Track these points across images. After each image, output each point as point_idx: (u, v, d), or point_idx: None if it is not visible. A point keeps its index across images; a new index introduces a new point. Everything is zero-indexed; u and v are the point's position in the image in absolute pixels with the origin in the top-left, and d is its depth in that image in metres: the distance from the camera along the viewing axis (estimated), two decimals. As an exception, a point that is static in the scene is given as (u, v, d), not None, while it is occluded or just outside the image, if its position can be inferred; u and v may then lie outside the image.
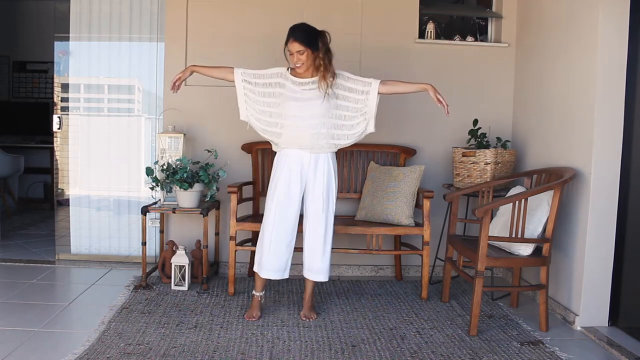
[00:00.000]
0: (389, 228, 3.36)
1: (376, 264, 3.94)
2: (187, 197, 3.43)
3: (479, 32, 4.12)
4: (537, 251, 2.96)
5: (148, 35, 3.98)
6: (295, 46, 2.81)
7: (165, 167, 3.45)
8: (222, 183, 3.59)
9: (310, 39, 2.83)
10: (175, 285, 3.44)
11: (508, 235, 2.88)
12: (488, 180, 3.46)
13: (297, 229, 2.98)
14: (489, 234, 2.80)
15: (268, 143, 3.10)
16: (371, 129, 2.98)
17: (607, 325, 2.97)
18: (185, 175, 3.36)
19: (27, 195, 6.48)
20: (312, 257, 2.99)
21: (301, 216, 3.01)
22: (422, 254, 3.36)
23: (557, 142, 3.31)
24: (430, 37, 3.96)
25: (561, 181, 2.86)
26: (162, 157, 3.61)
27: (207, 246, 3.47)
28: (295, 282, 3.57)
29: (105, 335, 2.66)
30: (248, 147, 3.74)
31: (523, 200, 2.83)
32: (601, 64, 2.90)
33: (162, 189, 3.50)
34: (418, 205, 3.47)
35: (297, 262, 3.08)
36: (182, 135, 3.63)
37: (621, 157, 2.92)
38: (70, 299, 3.23)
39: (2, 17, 6.43)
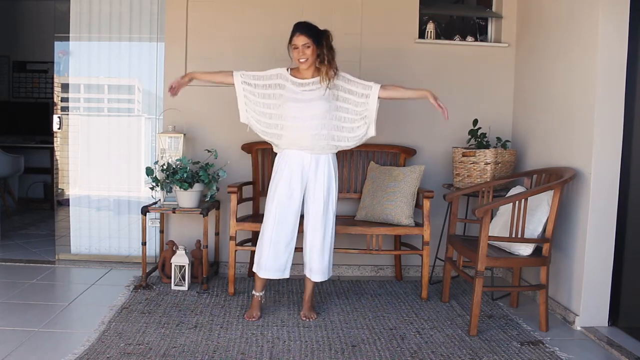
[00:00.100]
0: (389, 228, 3.36)
1: (376, 264, 3.94)
2: (187, 197, 3.43)
3: (479, 32, 4.12)
4: (537, 251, 2.96)
5: (148, 35, 3.98)
6: (302, 39, 2.82)
7: (165, 167, 3.45)
8: (222, 183, 3.59)
9: (315, 33, 2.86)
10: (175, 285, 3.44)
11: (508, 235, 2.88)
12: (488, 180, 3.46)
13: (297, 229, 2.98)
14: (489, 234, 2.81)
15: (268, 143, 3.10)
16: (372, 133, 2.99)
17: (607, 325, 2.97)
18: (185, 175, 3.36)
19: (27, 195, 6.48)
20: (312, 257, 2.99)
21: (302, 216, 3.01)
22: (422, 254, 3.36)
23: (557, 142, 3.31)
24: (430, 37, 3.96)
25: (561, 181, 2.86)
26: (162, 157, 3.61)
27: (207, 246, 3.47)
28: (295, 282, 3.57)
29: (105, 335, 2.66)
30: (248, 147, 3.74)
31: (523, 200, 2.83)
32: (601, 64, 2.90)
33: (162, 189, 3.50)
34: (418, 205, 3.47)
35: (297, 262, 3.08)
36: (182, 135, 3.64)
37: (621, 157, 2.92)
38: (70, 299, 3.23)
39: (2, 17, 6.43)
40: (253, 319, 2.95)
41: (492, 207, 2.81)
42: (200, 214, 3.41)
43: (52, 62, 4.27)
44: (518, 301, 3.33)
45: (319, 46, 2.86)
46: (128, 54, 4.03)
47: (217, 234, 3.81)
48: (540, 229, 2.94)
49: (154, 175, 3.46)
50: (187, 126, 3.79)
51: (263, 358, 2.48)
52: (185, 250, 3.46)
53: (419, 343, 2.70)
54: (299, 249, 3.04)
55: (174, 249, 3.56)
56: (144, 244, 3.45)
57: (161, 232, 3.81)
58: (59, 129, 4.12)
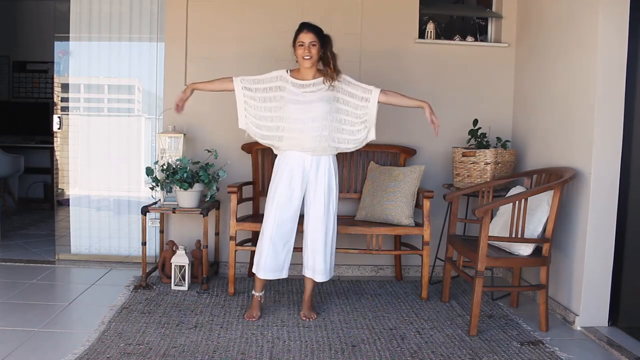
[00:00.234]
0: (389, 228, 3.36)
1: (376, 264, 3.94)
2: (187, 197, 3.43)
3: (479, 32, 4.11)
4: (537, 251, 2.96)
5: (148, 35, 3.98)
6: (310, 36, 2.85)
7: (165, 167, 3.45)
8: (222, 183, 3.59)
9: (321, 34, 2.90)
10: (175, 285, 3.44)
11: (508, 235, 2.88)
12: (488, 180, 3.46)
13: (296, 230, 2.98)
14: (489, 234, 2.81)
15: (268, 142, 3.10)
16: (372, 136, 3.00)
17: (607, 325, 2.97)
18: (185, 175, 3.36)
19: (27, 195, 6.48)
20: (312, 257, 2.99)
21: (301, 216, 3.01)
22: (422, 254, 3.36)
23: (557, 142, 3.31)
24: (430, 37, 3.96)
25: (561, 181, 2.86)
26: (162, 157, 3.61)
27: (207, 246, 3.47)
28: (295, 282, 3.57)
29: (105, 335, 2.66)
30: (248, 147, 3.74)
31: (523, 200, 2.83)
32: (601, 64, 2.90)
33: (162, 189, 3.50)
34: (418, 205, 3.47)
35: (297, 262, 3.08)
36: (182, 135, 3.63)
37: (621, 157, 2.92)
38: (70, 299, 3.23)
39: (2, 17, 6.43)
40: (253, 319, 2.95)
41: (492, 207, 2.81)
42: (200, 214, 3.41)
43: (52, 62, 4.27)
44: (518, 301, 3.32)
45: (323, 47, 2.88)
46: (128, 54, 4.03)
47: (217, 234, 3.81)
48: (540, 229, 2.94)
49: (154, 175, 3.46)
50: (187, 126, 3.79)
51: (263, 358, 2.48)
52: (185, 250, 3.46)
53: (419, 343, 2.70)
54: (298, 249, 3.04)
55: (174, 249, 3.56)
56: (144, 244, 3.45)
57: (161, 232, 3.81)
58: (59, 129, 4.12)
